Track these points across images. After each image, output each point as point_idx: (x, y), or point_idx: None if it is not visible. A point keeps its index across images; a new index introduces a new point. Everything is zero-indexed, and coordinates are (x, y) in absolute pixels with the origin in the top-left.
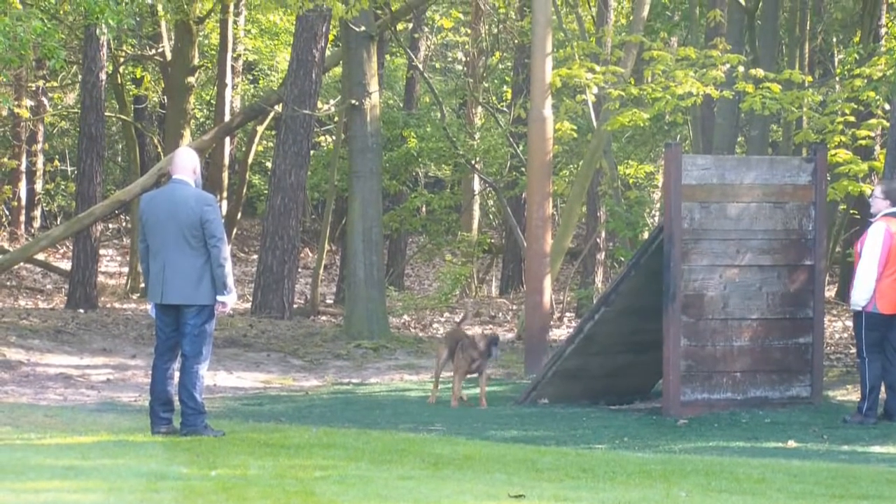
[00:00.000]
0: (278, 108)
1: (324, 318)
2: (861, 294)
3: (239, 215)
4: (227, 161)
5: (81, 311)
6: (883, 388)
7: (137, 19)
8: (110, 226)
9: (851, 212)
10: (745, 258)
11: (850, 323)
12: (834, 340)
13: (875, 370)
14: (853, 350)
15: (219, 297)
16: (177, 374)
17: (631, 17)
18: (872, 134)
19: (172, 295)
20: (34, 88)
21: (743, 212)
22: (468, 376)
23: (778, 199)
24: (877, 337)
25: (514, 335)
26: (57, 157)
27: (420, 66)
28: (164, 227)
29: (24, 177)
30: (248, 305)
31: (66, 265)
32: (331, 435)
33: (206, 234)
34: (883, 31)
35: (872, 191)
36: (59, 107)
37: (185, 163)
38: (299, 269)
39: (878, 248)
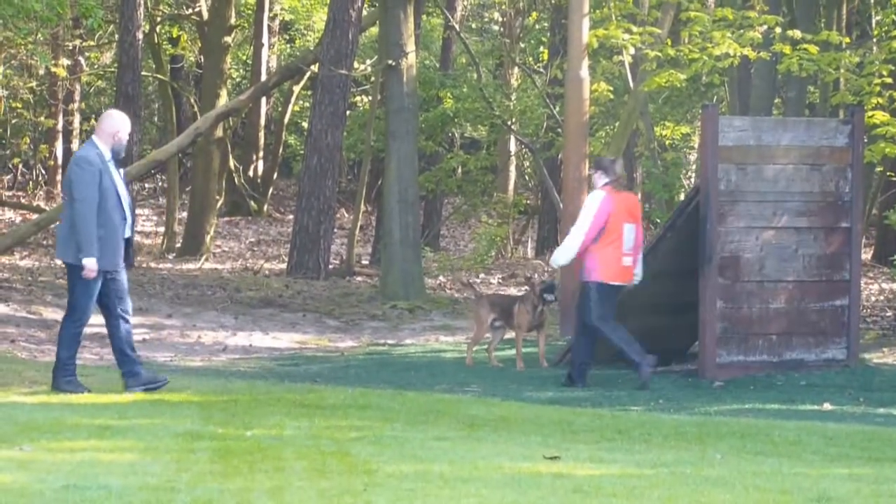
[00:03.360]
0: (314, 68)
1: (359, 278)
2: (564, 255)
3: (275, 175)
4: (263, 121)
5: None
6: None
7: None
8: (146, 185)
9: (888, 174)
10: (781, 220)
11: (886, 286)
12: (870, 303)
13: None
14: (889, 313)
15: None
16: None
17: None
18: None
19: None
20: (71, 48)
21: (779, 174)
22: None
23: (815, 161)
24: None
25: None
26: (94, 116)
27: (456, 27)
28: None
29: (60, 136)
30: (284, 266)
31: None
32: (366, 396)
33: (67, 192)
34: None
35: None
36: (96, 66)
37: (104, 126)
38: (335, 230)
39: (592, 214)
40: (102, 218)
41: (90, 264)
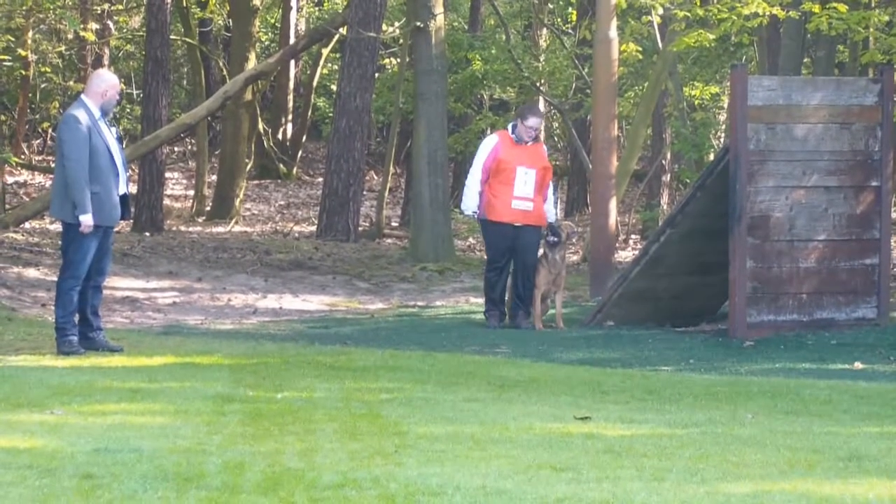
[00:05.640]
0: (343, 30)
1: (389, 240)
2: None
3: (304, 138)
4: (292, 84)
5: (147, 234)
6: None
7: None
8: (176, 149)
9: None
10: (811, 179)
11: None
12: None
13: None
14: None
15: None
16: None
17: None
18: None
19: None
20: (100, 11)
21: (809, 133)
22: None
23: (844, 120)
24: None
25: (579, 257)
26: (122, 80)
27: None
28: None
29: None
30: (314, 228)
31: (132, 188)
32: (397, 357)
33: (58, 151)
34: None
35: None
36: (125, 30)
37: (93, 85)
38: (364, 192)
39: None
40: (94, 175)
41: (87, 220)
